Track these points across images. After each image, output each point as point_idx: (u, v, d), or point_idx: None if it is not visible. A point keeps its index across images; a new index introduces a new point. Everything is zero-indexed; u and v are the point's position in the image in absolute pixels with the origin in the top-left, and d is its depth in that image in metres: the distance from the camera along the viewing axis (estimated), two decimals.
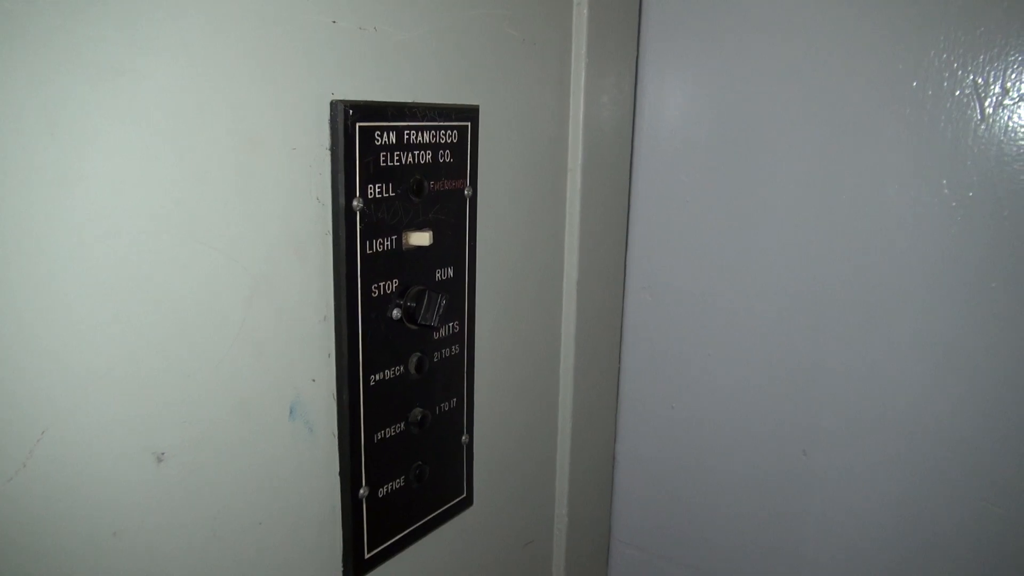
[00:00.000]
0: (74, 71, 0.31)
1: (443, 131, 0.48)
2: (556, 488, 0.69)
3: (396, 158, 0.45)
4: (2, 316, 0.30)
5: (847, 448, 0.67)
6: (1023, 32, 0.56)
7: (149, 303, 0.35)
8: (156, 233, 0.35)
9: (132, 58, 0.33)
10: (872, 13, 0.61)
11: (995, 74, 0.57)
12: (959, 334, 0.61)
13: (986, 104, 0.58)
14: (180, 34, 0.34)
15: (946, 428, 0.63)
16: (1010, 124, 0.57)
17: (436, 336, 0.50)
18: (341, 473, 0.45)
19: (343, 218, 0.42)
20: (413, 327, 0.48)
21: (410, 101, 0.46)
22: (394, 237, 0.45)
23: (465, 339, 0.53)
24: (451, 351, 0.52)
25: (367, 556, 0.47)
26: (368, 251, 0.44)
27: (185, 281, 0.36)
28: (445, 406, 0.52)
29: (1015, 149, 0.57)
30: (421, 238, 0.47)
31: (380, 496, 0.48)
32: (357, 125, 0.42)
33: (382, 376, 0.46)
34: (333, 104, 0.41)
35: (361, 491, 0.46)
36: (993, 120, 0.58)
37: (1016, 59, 0.56)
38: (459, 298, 0.52)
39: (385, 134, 0.44)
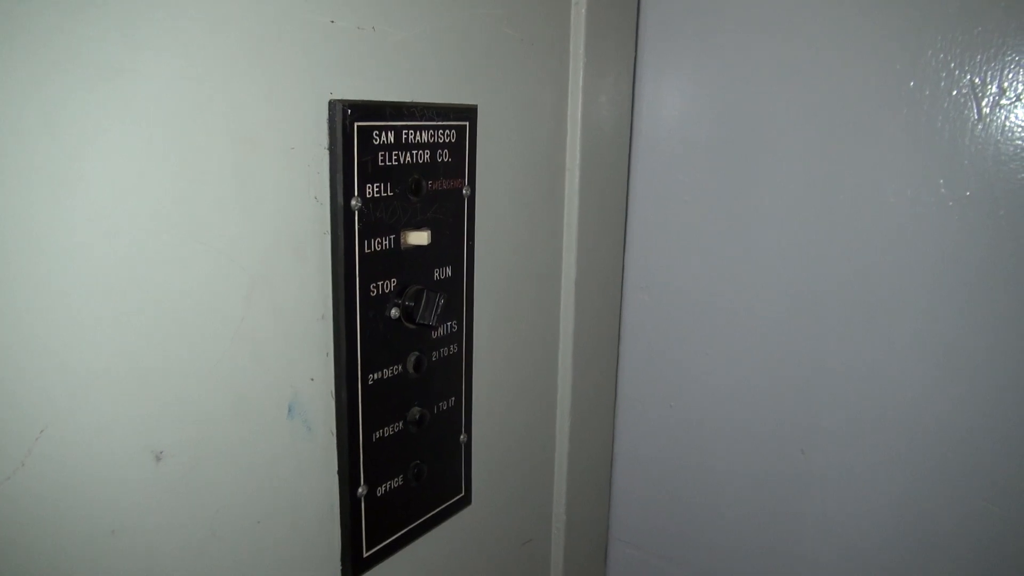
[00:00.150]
0: (73, 71, 0.31)
1: (441, 131, 0.48)
2: (554, 487, 0.69)
3: (394, 157, 0.45)
4: (1, 315, 0.30)
5: (846, 447, 0.68)
6: (1020, 32, 0.56)
7: (148, 302, 0.35)
8: (155, 232, 0.35)
9: (131, 58, 0.33)
10: (870, 13, 0.61)
11: (992, 74, 0.57)
12: (957, 333, 0.61)
13: (983, 104, 0.58)
14: (179, 34, 0.34)
15: (945, 427, 0.63)
16: (1007, 124, 0.57)
17: (434, 335, 0.51)
18: (339, 472, 0.46)
19: (341, 217, 0.42)
20: (411, 326, 0.48)
21: (408, 101, 0.46)
22: (392, 236, 0.46)
23: (463, 338, 0.53)
24: (449, 350, 0.52)
25: (365, 555, 0.47)
26: (366, 250, 0.44)
27: (184, 280, 0.36)
28: (443, 405, 0.52)
29: (1012, 149, 0.57)
30: (419, 237, 0.47)
31: (378, 495, 0.48)
32: (355, 124, 0.42)
33: (380, 375, 0.46)
34: (331, 104, 0.41)
35: (359, 490, 0.46)
36: (990, 120, 0.58)
37: (1013, 59, 0.56)
38: (457, 297, 0.52)
39: (383, 134, 0.44)
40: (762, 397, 0.71)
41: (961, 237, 0.60)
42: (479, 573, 0.62)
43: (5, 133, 0.29)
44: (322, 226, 0.42)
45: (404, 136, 0.45)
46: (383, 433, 0.47)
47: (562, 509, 0.69)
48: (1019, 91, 0.57)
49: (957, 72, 0.58)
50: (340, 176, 0.42)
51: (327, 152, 0.42)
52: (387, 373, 0.47)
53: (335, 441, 0.45)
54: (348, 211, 0.42)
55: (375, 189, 0.44)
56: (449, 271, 0.51)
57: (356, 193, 0.43)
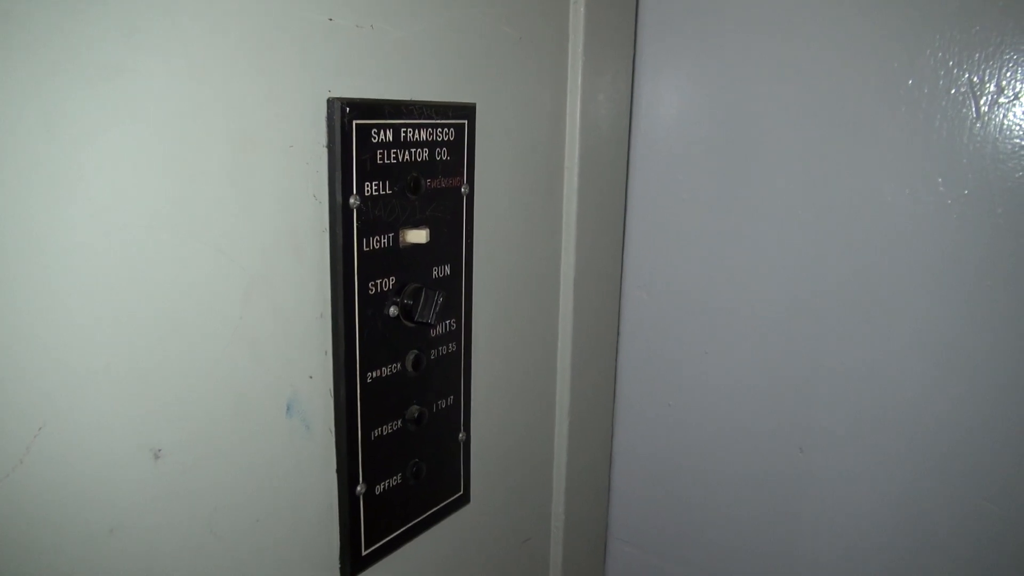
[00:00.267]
0: (71, 70, 0.31)
1: (440, 129, 0.48)
2: (553, 486, 0.69)
3: (393, 156, 0.45)
4: (0, 313, 0.30)
5: (845, 447, 0.68)
6: (1018, 31, 0.56)
7: (147, 300, 0.35)
8: (154, 231, 0.35)
9: (130, 57, 0.33)
10: (868, 12, 0.61)
11: (990, 72, 0.57)
12: (956, 331, 0.61)
13: (981, 102, 0.58)
14: (177, 33, 0.34)
15: (944, 426, 0.63)
16: (1005, 122, 0.57)
17: (433, 334, 0.51)
18: (338, 470, 0.46)
19: (340, 216, 0.42)
20: (410, 325, 0.48)
21: (407, 99, 0.46)
22: (391, 235, 0.46)
23: (462, 337, 0.53)
24: (448, 349, 0.52)
25: (364, 553, 0.47)
26: (365, 248, 0.44)
27: (182, 278, 0.36)
28: (442, 404, 0.52)
29: (1010, 147, 0.57)
30: (418, 236, 0.47)
31: (377, 493, 0.48)
32: (354, 123, 0.42)
33: (379, 373, 0.46)
34: (330, 102, 0.41)
35: (358, 488, 0.46)
36: (988, 118, 0.58)
37: (1011, 58, 0.56)
38: (456, 296, 0.52)
39: (382, 132, 0.44)
40: (761, 396, 0.71)
41: (959, 236, 0.60)
42: (478, 571, 0.62)
43: (5, 133, 0.29)
44: (321, 224, 0.42)
45: (403, 134, 0.45)
46: (382, 431, 0.47)
47: (561, 508, 0.69)
48: (1017, 90, 0.57)
49: (955, 71, 0.58)
50: (339, 174, 0.42)
51: (326, 150, 0.42)
52: (386, 371, 0.47)
53: (334, 439, 0.45)
54: (347, 209, 0.42)
55: (374, 187, 0.44)
56: (448, 269, 0.51)
57: (355, 191, 0.43)
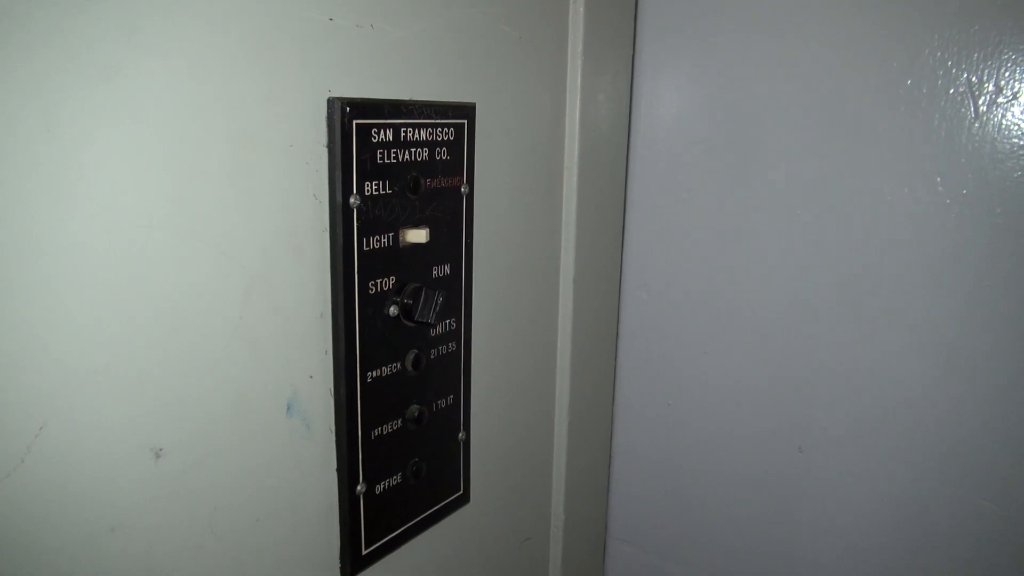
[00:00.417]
0: (71, 69, 0.31)
1: (440, 128, 0.48)
2: (553, 485, 0.69)
3: (393, 155, 0.45)
4: (1, 313, 0.30)
5: (844, 447, 0.68)
6: (1017, 31, 0.56)
7: (147, 300, 0.35)
8: (154, 230, 0.35)
9: (130, 56, 0.33)
10: (867, 12, 0.61)
11: (989, 72, 0.57)
12: (955, 331, 0.61)
13: (980, 102, 0.58)
14: (177, 32, 0.34)
15: (944, 426, 0.63)
16: (1004, 122, 0.57)
17: (433, 333, 0.51)
18: (338, 469, 0.46)
19: (340, 215, 0.42)
20: (410, 324, 0.48)
21: (407, 99, 0.46)
22: (391, 234, 0.46)
23: (462, 336, 0.53)
24: (448, 348, 0.52)
25: (364, 552, 0.48)
26: (365, 248, 0.44)
27: (183, 278, 0.36)
28: (442, 403, 0.52)
29: (1008, 147, 0.57)
30: (418, 235, 0.47)
31: (377, 493, 0.48)
32: (354, 122, 0.42)
33: (379, 373, 0.46)
34: (330, 101, 0.41)
35: (358, 487, 0.46)
36: (987, 118, 0.58)
37: (1009, 57, 0.57)
38: (456, 295, 0.52)
39: (382, 131, 0.44)
40: (760, 396, 0.71)
41: (958, 235, 0.60)
42: (477, 571, 0.62)
43: (4, 132, 0.29)
44: (321, 224, 0.42)
45: (403, 134, 0.45)
46: (382, 431, 0.47)
47: (560, 507, 0.69)
48: (1016, 89, 0.57)
49: (954, 71, 0.58)
50: (339, 174, 0.42)
51: (326, 150, 0.42)
52: (386, 371, 0.47)
53: (334, 439, 0.45)
54: (347, 209, 0.42)
55: (374, 187, 0.44)
56: (448, 269, 0.51)
57: (355, 191, 0.43)
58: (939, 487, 0.64)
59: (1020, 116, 0.57)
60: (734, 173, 0.69)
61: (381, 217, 0.45)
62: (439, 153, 0.49)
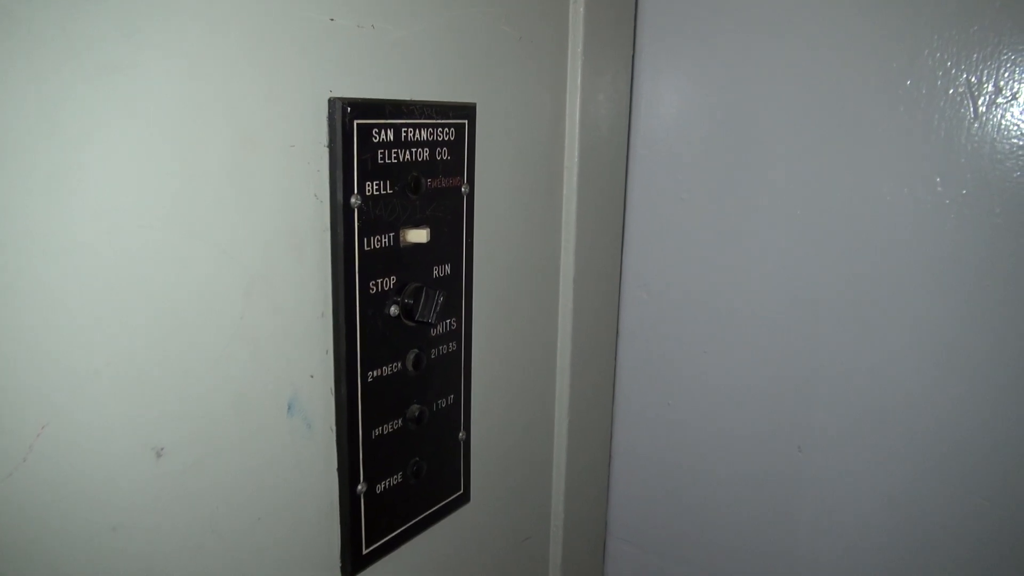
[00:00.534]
0: (72, 68, 0.31)
1: (440, 129, 0.48)
2: (553, 485, 0.69)
3: (394, 155, 0.45)
4: (1, 312, 0.30)
5: (844, 446, 0.68)
6: (1016, 31, 0.56)
7: (148, 300, 0.35)
8: (155, 230, 0.35)
9: (130, 55, 0.33)
10: (867, 13, 0.61)
11: (988, 72, 0.57)
12: (954, 331, 0.62)
13: (979, 102, 0.58)
14: (179, 32, 0.34)
15: (944, 425, 0.63)
16: (1003, 122, 0.58)
17: (433, 333, 0.51)
18: (339, 469, 0.46)
19: (341, 215, 0.42)
20: (410, 324, 0.48)
21: (408, 99, 0.46)
22: (392, 234, 0.46)
23: (462, 336, 0.53)
24: (448, 348, 0.52)
25: (365, 552, 0.48)
26: (366, 248, 0.44)
27: (184, 277, 0.36)
28: (442, 403, 0.53)
29: (1008, 147, 0.58)
30: (418, 235, 0.47)
31: (378, 492, 0.48)
32: (355, 122, 0.42)
33: (380, 372, 0.46)
34: (331, 101, 0.41)
35: (359, 487, 0.46)
36: (987, 118, 0.58)
37: (1009, 58, 0.57)
38: (456, 295, 0.52)
39: (383, 131, 0.44)
40: (760, 395, 0.71)
41: (958, 235, 0.60)
42: (478, 570, 0.62)
43: (4, 131, 0.30)
44: (322, 224, 0.42)
45: (403, 134, 0.45)
46: (382, 430, 0.47)
47: (560, 506, 0.70)
48: (1015, 90, 0.57)
49: (954, 71, 0.59)
50: (340, 174, 0.42)
51: (327, 150, 0.42)
52: (386, 370, 0.47)
53: (335, 438, 0.45)
54: (348, 209, 0.42)
55: (375, 187, 0.44)
56: (448, 269, 0.51)
57: (356, 191, 0.43)
58: (939, 487, 0.64)
59: (1019, 116, 0.57)
60: (734, 173, 0.70)
61: (382, 217, 0.45)
62: (440, 153, 0.49)
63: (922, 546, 0.65)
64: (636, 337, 0.77)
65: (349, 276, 0.43)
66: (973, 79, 0.58)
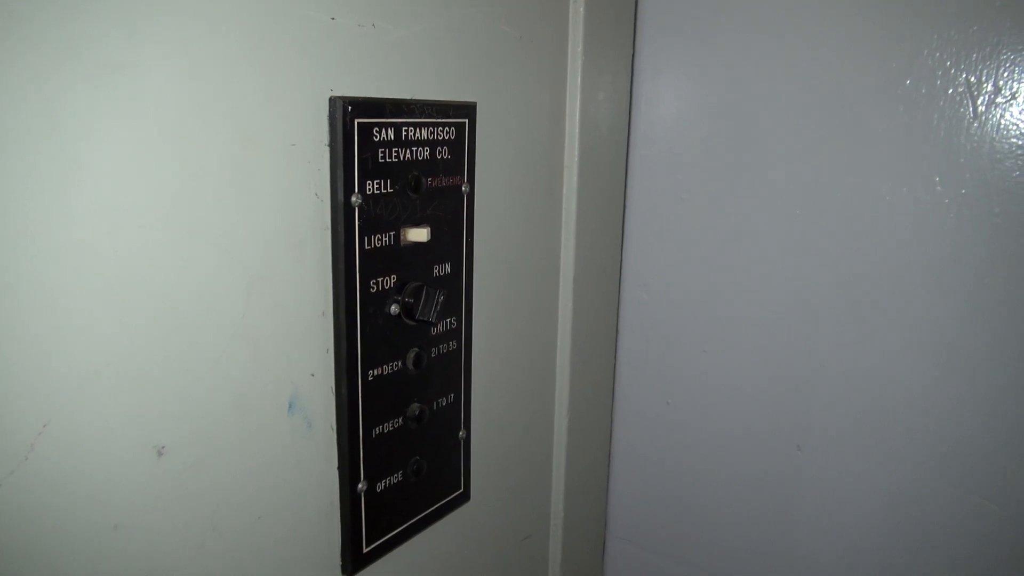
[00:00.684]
0: (72, 67, 0.31)
1: (441, 128, 0.48)
2: (552, 483, 0.69)
3: (394, 154, 0.45)
4: (2, 311, 0.31)
5: (843, 446, 0.68)
6: (1015, 31, 0.56)
7: (149, 298, 0.35)
8: (156, 229, 0.35)
9: (131, 54, 0.33)
10: (867, 12, 0.61)
11: (987, 72, 0.58)
12: (954, 331, 0.62)
13: (979, 102, 0.58)
14: (179, 31, 0.34)
15: (944, 425, 0.63)
16: (1002, 122, 0.58)
17: (434, 332, 0.51)
18: (340, 467, 0.46)
19: (342, 214, 0.42)
20: (411, 323, 0.48)
21: (408, 98, 0.47)
22: (392, 233, 0.46)
23: (463, 335, 0.53)
24: (449, 347, 0.52)
25: (365, 550, 0.48)
26: (366, 247, 0.44)
27: (184, 277, 0.36)
28: (443, 401, 0.53)
29: (1007, 147, 0.58)
30: (419, 234, 0.47)
31: (378, 491, 0.48)
32: (356, 121, 0.42)
33: (380, 371, 0.47)
34: (332, 100, 0.41)
35: (359, 485, 0.46)
36: (986, 118, 0.58)
37: (1008, 58, 0.57)
38: (456, 294, 0.52)
39: (383, 130, 0.44)
40: (759, 394, 0.71)
41: (957, 235, 0.60)
42: (478, 569, 0.62)
43: (5, 129, 0.30)
44: (322, 222, 0.42)
45: (404, 133, 0.45)
46: (383, 429, 0.48)
47: (560, 505, 0.70)
48: (1014, 90, 0.57)
49: (953, 71, 0.59)
50: (340, 173, 0.42)
51: (327, 149, 0.42)
52: (387, 369, 0.47)
53: (335, 437, 0.45)
54: (348, 207, 0.42)
55: (375, 186, 0.44)
56: (448, 268, 0.51)
57: (356, 190, 0.43)
58: (938, 486, 0.64)
59: (1018, 116, 0.57)
60: (733, 173, 0.70)
61: (382, 216, 0.45)
62: (440, 152, 0.49)
63: (921, 546, 0.66)
64: (636, 337, 0.77)
65: (350, 275, 0.43)
66: (972, 79, 0.58)
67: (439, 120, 0.48)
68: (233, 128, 0.37)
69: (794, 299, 0.68)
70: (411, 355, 0.49)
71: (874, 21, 0.61)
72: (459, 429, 0.55)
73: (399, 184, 0.46)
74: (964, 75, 0.58)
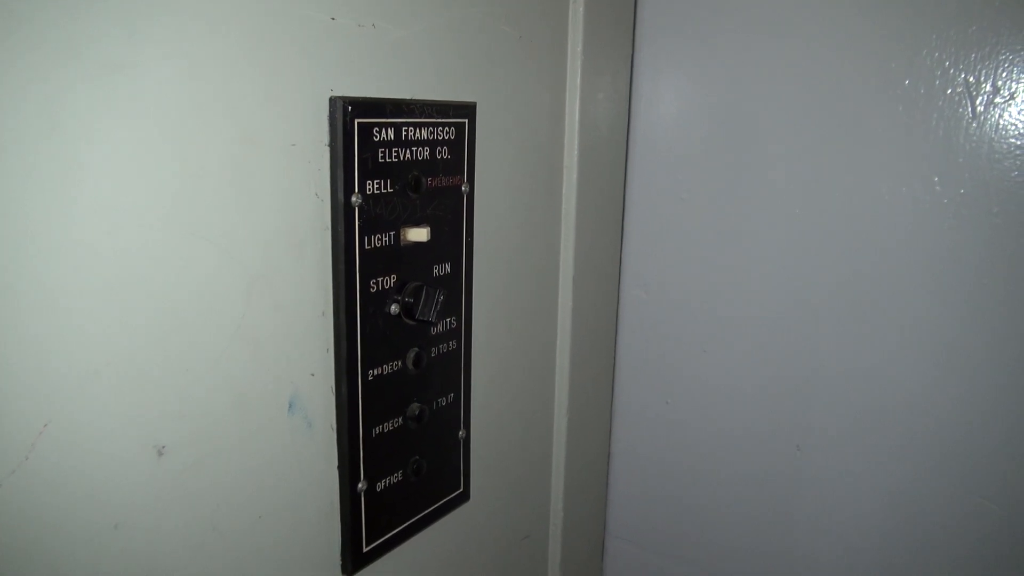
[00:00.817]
0: (72, 67, 0.31)
1: (441, 128, 0.48)
2: (552, 483, 0.70)
3: (394, 154, 0.45)
4: (3, 311, 0.31)
5: (842, 445, 0.68)
6: (1014, 31, 0.56)
7: (149, 298, 0.35)
8: (156, 229, 0.35)
9: (131, 54, 0.33)
10: (866, 13, 0.62)
11: (986, 72, 0.58)
12: (954, 330, 0.62)
13: (977, 102, 0.58)
14: (179, 31, 0.34)
15: (943, 425, 0.63)
16: (1001, 122, 0.58)
17: (434, 332, 0.51)
18: (340, 467, 0.46)
19: (342, 214, 0.42)
20: (411, 322, 0.48)
21: (408, 98, 0.47)
22: (392, 233, 0.46)
23: (462, 335, 0.54)
24: (448, 346, 0.52)
25: (365, 550, 0.48)
26: (366, 247, 0.44)
27: (184, 277, 0.36)
28: (442, 401, 0.53)
29: (1006, 147, 0.58)
30: (419, 234, 0.47)
31: (378, 490, 0.48)
32: (356, 121, 0.42)
33: (380, 371, 0.47)
34: (332, 100, 0.41)
35: (359, 485, 0.46)
36: (984, 118, 0.58)
37: (1007, 58, 0.57)
38: (456, 294, 0.52)
39: (383, 130, 0.44)
40: (759, 394, 0.72)
41: (956, 235, 0.60)
42: (477, 568, 0.62)
43: (5, 129, 0.30)
44: (322, 222, 0.42)
45: (404, 133, 0.45)
46: (383, 428, 0.48)
47: (560, 505, 0.70)
48: (1013, 90, 0.57)
49: (952, 71, 0.59)
50: (340, 172, 0.42)
51: (327, 149, 0.42)
52: (387, 369, 0.47)
53: (335, 436, 0.45)
54: (348, 207, 0.43)
55: (375, 186, 0.44)
56: (448, 267, 0.51)
57: (356, 189, 0.43)
58: (938, 486, 0.64)
59: (1017, 116, 0.57)
60: (733, 173, 0.70)
61: (382, 216, 0.45)
62: (440, 152, 0.49)
63: (921, 546, 0.66)
64: (635, 336, 0.77)
65: (350, 275, 0.43)
66: (971, 79, 0.58)
67: (439, 120, 0.48)
68: (233, 128, 0.37)
69: (794, 299, 0.68)
70: (411, 355, 0.49)
71: (873, 21, 0.61)
72: (459, 429, 0.55)
73: (399, 184, 0.46)
74: (963, 75, 0.58)
